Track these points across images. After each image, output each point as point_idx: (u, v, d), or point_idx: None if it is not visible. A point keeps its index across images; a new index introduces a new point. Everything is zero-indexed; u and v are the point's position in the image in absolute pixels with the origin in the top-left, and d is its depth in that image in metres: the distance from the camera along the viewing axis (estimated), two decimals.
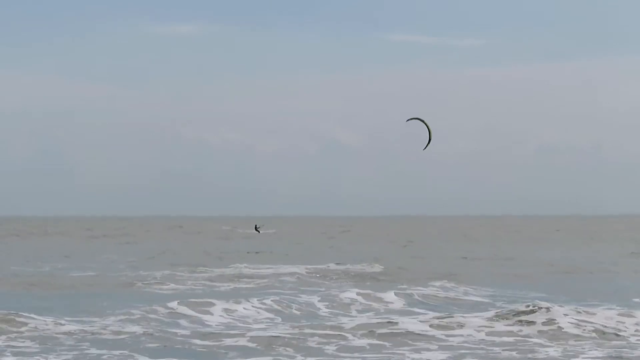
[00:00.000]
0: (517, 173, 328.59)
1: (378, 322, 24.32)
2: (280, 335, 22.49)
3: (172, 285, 35.83)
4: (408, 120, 22.55)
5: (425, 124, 22.49)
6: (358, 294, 31.09)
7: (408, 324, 23.89)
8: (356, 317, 26.86)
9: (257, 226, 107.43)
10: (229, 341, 21.80)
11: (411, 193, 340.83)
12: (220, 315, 26.58)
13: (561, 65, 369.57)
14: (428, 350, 20.92)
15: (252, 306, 27.89)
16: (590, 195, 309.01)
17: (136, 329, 23.41)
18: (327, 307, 28.92)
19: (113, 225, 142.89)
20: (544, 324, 23.64)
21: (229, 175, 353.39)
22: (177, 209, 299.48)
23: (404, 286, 34.31)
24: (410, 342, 21.87)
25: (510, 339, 22.19)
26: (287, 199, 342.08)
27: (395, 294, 31.54)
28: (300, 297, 30.86)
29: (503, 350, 20.81)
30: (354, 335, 22.46)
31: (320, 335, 22.39)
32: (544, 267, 46.63)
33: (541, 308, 24.80)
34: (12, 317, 24.11)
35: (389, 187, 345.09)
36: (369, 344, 21.58)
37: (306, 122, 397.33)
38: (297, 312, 27.87)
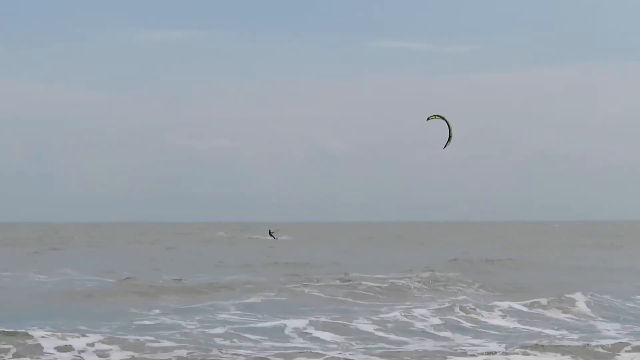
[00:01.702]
0: (508, 179, 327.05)
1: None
2: None
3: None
4: (428, 119, 21.13)
5: (447, 122, 21.04)
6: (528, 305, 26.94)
7: None
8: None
9: (272, 231, 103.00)
10: None
11: (401, 199, 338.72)
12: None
13: (553, 72, 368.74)
14: None
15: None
16: (582, 201, 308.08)
17: None
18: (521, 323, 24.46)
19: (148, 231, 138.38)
20: None
21: (217, 181, 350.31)
22: (165, 215, 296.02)
23: (551, 297, 29.65)
24: None
25: None
26: (276, 206, 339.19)
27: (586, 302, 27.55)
28: (482, 313, 25.81)
29: None
30: None
31: None
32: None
33: None
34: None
35: (379, 194, 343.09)
36: None
37: (295, 129, 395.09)
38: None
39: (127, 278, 36.16)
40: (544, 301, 28.00)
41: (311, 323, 22.80)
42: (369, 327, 22.80)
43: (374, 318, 24.05)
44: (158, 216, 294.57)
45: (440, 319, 24.38)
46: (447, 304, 27.25)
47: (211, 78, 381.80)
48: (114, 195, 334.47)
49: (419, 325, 23.43)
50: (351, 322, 23.28)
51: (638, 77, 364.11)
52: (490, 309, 26.28)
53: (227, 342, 20.34)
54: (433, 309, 25.87)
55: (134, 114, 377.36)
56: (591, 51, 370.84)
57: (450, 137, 21.03)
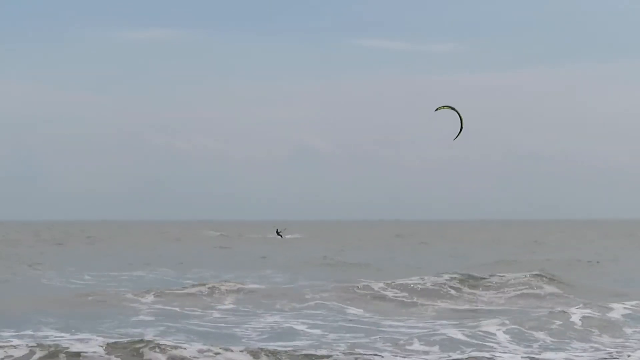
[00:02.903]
0: (489, 179, 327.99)
1: None
2: None
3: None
4: (437, 109, 20.83)
5: (458, 113, 20.67)
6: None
7: None
8: None
9: (279, 230, 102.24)
10: None
11: (385, 198, 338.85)
12: None
13: (533, 72, 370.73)
14: None
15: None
16: (561, 200, 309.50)
17: None
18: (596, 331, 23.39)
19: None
20: None
21: (201, 181, 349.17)
22: (150, 214, 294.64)
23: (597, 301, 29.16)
24: None
25: None
26: (261, 205, 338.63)
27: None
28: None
29: None
30: None
31: None
32: None
33: None
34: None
35: (362, 192, 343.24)
36: None
37: (279, 128, 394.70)
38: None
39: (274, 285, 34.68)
40: None
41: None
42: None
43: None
44: (142, 215, 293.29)
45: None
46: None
47: (195, 78, 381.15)
48: (98, 195, 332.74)
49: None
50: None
51: (621, 78, 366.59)
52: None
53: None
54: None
55: (117, 113, 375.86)
56: (573, 52, 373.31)
57: (461, 127, 20.69)
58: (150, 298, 28.99)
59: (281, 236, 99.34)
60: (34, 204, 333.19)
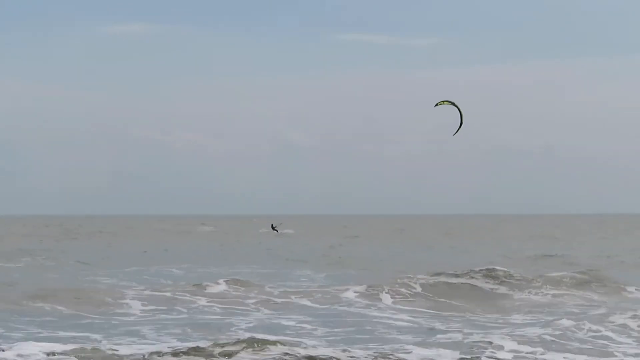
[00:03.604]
0: (470, 173, 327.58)
1: None
2: None
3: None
4: (436, 105, 20.04)
5: (458, 108, 19.84)
6: None
7: None
8: None
9: (274, 225, 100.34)
10: None
11: (366, 192, 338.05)
12: None
13: (514, 67, 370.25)
14: None
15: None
16: (544, 195, 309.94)
17: None
18: None
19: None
20: None
21: (183, 175, 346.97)
22: (131, 209, 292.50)
23: None
24: None
25: None
26: (242, 199, 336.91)
27: None
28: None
29: None
30: None
31: None
32: None
33: None
34: None
35: (344, 187, 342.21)
36: None
37: (260, 123, 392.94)
38: None
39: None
40: None
41: None
42: None
43: None
44: (124, 210, 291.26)
45: None
46: None
47: (176, 72, 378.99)
48: (79, 189, 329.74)
49: None
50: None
51: (601, 71, 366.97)
52: None
53: None
54: None
55: (99, 108, 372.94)
56: (554, 46, 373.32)
57: (461, 123, 19.92)
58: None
59: (277, 231, 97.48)
60: (15, 199, 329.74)
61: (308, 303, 27.67)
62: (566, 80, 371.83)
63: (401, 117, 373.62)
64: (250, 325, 22.58)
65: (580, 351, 18.50)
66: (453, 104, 19.98)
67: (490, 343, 18.88)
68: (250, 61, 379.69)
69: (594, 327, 21.10)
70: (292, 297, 28.66)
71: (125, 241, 74.07)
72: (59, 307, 25.66)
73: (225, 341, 18.20)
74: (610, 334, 20.69)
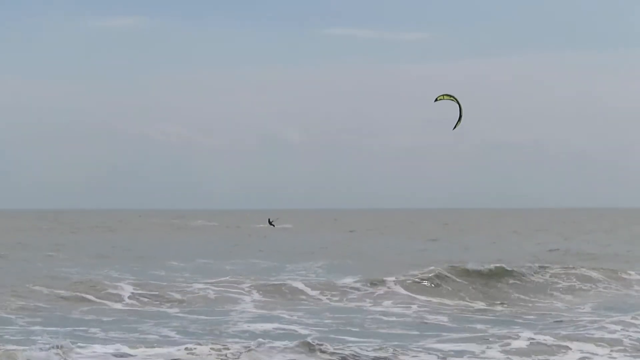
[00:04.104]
0: (458, 167, 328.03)
1: None
2: None
3: None
4: (437, 99, 19.83)
5: (457, 102, 19.76)
6: None
7: None
8: None
9: (271, 220, 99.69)
10: None
11: (353, 187, 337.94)
12: None
13: (502, 61, 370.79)
14: None
15: None
16: (531, 189, 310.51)
17: None
18: None
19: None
20: None
21: (169, 169, 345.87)
22: (118, 203, 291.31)
23: None
24: None
25: None
26: (228, 193, 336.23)
27: None
28: None
29: None
30: None
31: None
32: None
33: None
34: None
35: (330, 181, 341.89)
36: None
37: (246, 117, 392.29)
38: None
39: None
40: None
41: None
42: None
43: None
44: (109, 204, 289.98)
45: None
46: None
47: (161, 66, 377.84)
48: (65, 184, 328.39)
49: None
50: None
51: (590, 66, 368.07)
52: None
53: None
54: None
55: (83, 102, 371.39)
56: (544, 41, 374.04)
57: (460, 117, 19.84)
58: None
59: (273, 225, 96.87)
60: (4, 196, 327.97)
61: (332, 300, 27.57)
62: (556, 74, 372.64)
63: (389, 111, 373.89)
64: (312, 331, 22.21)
65: None
66: (453, 98, 19.83)
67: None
68: (237, 55, 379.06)
69: None
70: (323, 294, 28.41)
71: (133, 235, 73.40)
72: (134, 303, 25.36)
73: None
74: None
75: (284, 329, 21.02)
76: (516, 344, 18.27)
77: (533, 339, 18.76)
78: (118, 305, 25.29)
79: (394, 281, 29.43)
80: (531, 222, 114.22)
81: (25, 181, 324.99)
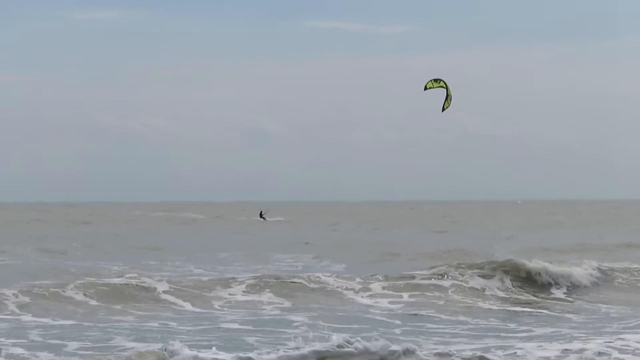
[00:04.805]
0: (441, 160, 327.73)
1: None
2: None
3: None
4: (426, 88, 19.09)
5: (446, 86, 19.02)
6: None
7: None
8: None
9: (262, 213, 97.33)
10: None
11: (337, 179, 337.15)
12: None
13: (484, 53, 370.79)
14: None
15: None
16: (512, 181, 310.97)
17: None
18: None
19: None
20: None
21: (150, 162, 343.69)
22: (98, 196, 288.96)
23: None
24: None
25: None
26: (210, 186, 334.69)
27: None
28: None
29: None
30: None
31: None
32: None
33: None
34: None
35: (312, 174, 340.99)
36: None
37: (228, 110, 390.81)
38: None
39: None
40: None
41: None
42: None
43: None
44: (90, 197, 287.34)
45: None
46: None
47: (144, 58, 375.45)
48: (44, 176, 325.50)
49: None
50: None
51: (569, 57, 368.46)
52: None
53: None
54: None
55: (64, 94, 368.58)
56: (524, 32, 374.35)
57: (448, 97, 19.06)
58: None
59: (264, 219, 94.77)
60: None
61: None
62: (538, 66, 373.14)
63: (371, 103, 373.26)
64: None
65: None
66: (442, 83, 19.00)
67: None
68: (219, 47, 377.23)
69: None
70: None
71: (133, 228, 71.87)
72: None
73: None
74: None
75: None
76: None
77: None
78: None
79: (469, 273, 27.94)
80: (531, 215, 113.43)
81: (1, 175, 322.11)
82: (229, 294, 24.93)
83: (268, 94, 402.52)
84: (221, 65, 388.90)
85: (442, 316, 22.19)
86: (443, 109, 19.23)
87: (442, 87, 19.19)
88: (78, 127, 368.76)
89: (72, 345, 17.03)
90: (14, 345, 16.79)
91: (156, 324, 20.38)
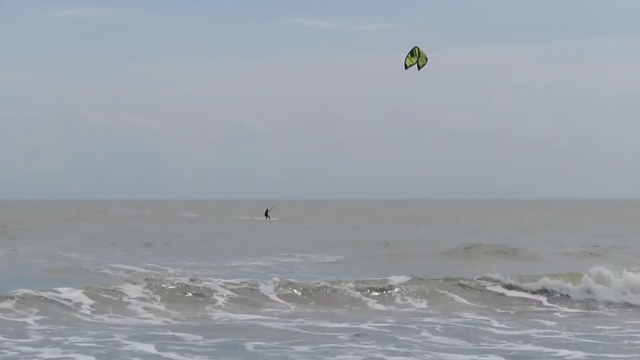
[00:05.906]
0: (422, 157, 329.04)
1: None
2: None
3: None
4: (407, 67, 18.19)
5: (419, 51, 17.95)
6: None
7: None
8: None
9: (268, 211, 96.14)
10: None
11: (319, 177, 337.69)
12: None
13: (467, 51, 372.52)
14: None
15: None
16: (495, 179, 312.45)
17: None
18: None
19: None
20: None
21: (133, 159, 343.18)
22: (81, 193, 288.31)
23: None
24: None
25: None
26: (193, 184, 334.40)
27: None
28: None
29: None
30: None
31: None
32: None
33: None
34: None
35: (297, 171, 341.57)
36: None
37: (212, 107, 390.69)
38: None
39: None
40: None
41: None
42: None
43: None
44: (73, 194, 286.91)
45: None
46: None
47: (126, 56, 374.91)
48: (27, 174, 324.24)
49: None
50: None
51: (550, 56, 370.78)
52: None
53: None
54: None
55: (49, 92, 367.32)
56: (504, 30, 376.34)
57: (419, 53, 17.99)
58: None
59: (268, 217, 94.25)
60: None
61: None
62: (520, 64, 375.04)
63: (353, 101, 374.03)
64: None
65: None
66: (416, 49, 18.16)
67: None
68: (200, 45, 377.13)
69: None
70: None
71: (143, 227, 72.00)
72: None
73: None
74: None
75: None
76: None
77: None
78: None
79: None
80: (521, 214, 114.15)
81: None
82: None
83: (250, 92, 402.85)
84: (204, 62, 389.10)
85: None
86: (419, 67, 18.10)
87: (423, 60, 18.23)
88: (62, 124, 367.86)
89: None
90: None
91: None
